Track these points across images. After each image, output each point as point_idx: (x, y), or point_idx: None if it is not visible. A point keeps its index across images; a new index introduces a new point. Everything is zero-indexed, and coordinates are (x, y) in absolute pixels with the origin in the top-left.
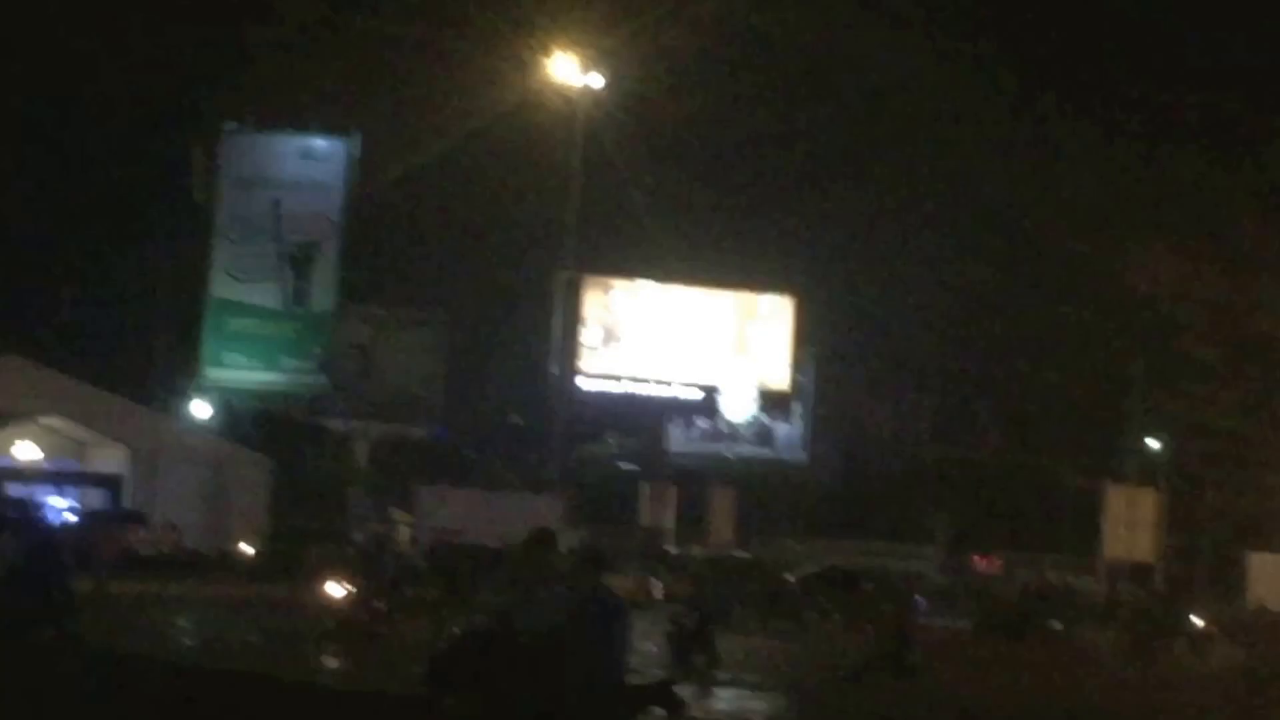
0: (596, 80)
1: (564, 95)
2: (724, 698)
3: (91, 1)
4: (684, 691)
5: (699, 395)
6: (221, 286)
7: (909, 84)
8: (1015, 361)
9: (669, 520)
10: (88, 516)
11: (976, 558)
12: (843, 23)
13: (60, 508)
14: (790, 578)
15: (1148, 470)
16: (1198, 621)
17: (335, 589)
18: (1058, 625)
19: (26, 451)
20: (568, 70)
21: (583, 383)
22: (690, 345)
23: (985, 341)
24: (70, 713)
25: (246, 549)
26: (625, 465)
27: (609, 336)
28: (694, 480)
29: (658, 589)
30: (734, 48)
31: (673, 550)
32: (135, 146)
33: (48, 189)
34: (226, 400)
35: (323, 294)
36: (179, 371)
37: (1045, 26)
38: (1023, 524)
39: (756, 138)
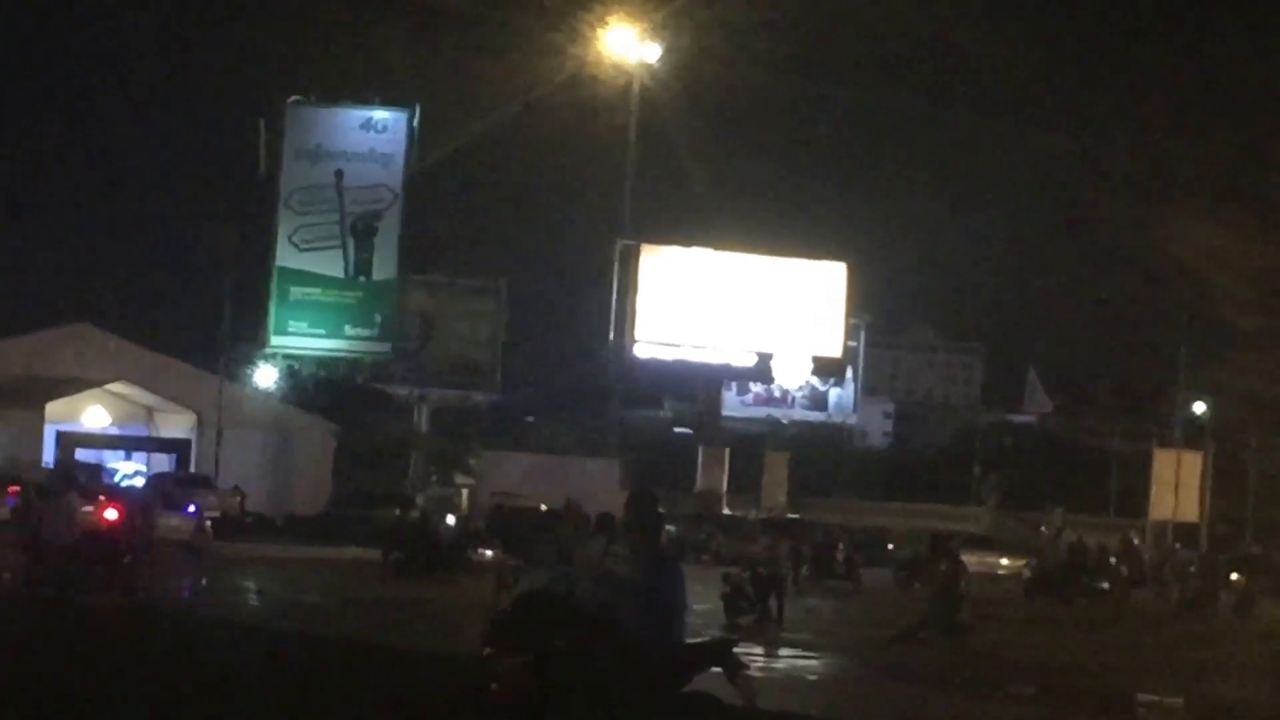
0: (652, 51)
1: (620, 67)
2: (780, 657)
3: None
4: (740, 651)
5: (753, 361)
6: (286, 256)
7: (960, 55)
8: (1063, 328)
9: (723, 484)
10: (156, 480)
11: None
12: None
13: (128, 472)
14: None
15: (1192, 434)
16: (1239, 580)
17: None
18: (1104, 585)
19: (96, 417)
20: (624, 42)
21: (639, 350)
22: (745, 312)
23: (1033, 308)
24: (138, 671)
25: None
26: (680, 430)
27: (665, 304)
28: (748, 444)
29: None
30: (788, 18)
31: (727, 512)
32: (201, 120)
33: (116, 163)
34: (291, 367)
35: (384, 263)
36: (245, 339)
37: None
38: (1070, 486)
39: (810, 107)
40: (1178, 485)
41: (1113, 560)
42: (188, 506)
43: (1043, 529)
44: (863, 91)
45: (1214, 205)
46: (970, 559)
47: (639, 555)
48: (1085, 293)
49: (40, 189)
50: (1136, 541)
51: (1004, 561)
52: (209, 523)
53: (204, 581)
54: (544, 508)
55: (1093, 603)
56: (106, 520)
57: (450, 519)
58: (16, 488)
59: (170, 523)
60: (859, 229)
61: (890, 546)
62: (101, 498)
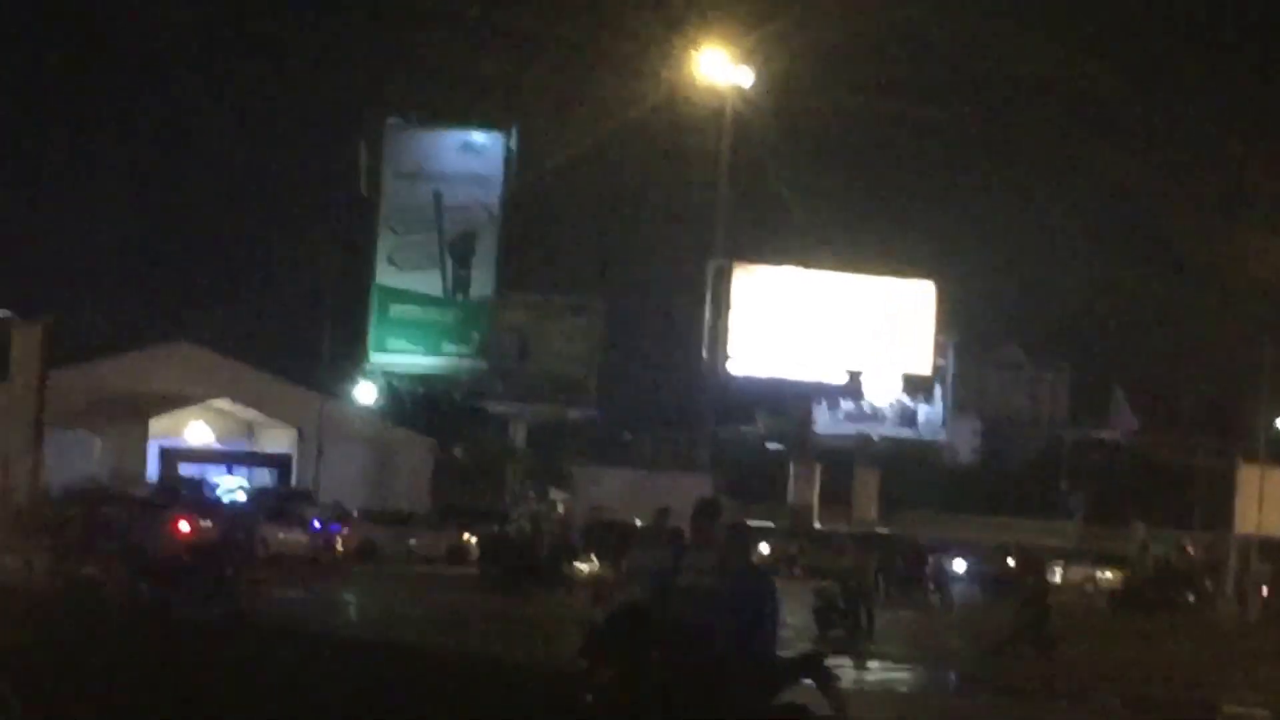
0: (745, 76)
1: (713, 90)
2: (870, 669)
3: (261, 5)
4: (831, 664)
5: (844, 379)
6: (385, 275)
7: (1043, 78)
8: (1148, 345)
9: (814, 498)
10: (257, 495)
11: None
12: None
13: (230, 487)
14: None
15: (1277, 450)
16: None
17: None
18: (1191, 598)
19: (199, 433)
20: (717, 66)
21: (732, 367)
22: (836, 330)
23: (1118, 326)
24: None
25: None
26: (772, 445)
27: (757, 322)
28: (838, 460)
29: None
30: (877, 43)
31: (818, 527)
32: (303, 142)
33: (219, 184)
34: (390, 383)
35: (482, 281)
36: (345, 356)
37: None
38: (1156, 501)
39: (898, 129)
40: (1262, 500)
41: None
42: (314, 522)
43: (1136, 542)
44: (951, 113)
45: None
46: (1056, 573)
47: (731, 569)
48: (1170, 309)
49: (143, 209)
50: (1190, 551)
51: (1094, 575)
52: (340, 539)
53: (305, 594)
54: (639, 523)
55: (1177, 615)
56: (208, 534)
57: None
58: None
59: (292, 537)
60: (948, 248)
61: (971, 562)
62: (203, 512)
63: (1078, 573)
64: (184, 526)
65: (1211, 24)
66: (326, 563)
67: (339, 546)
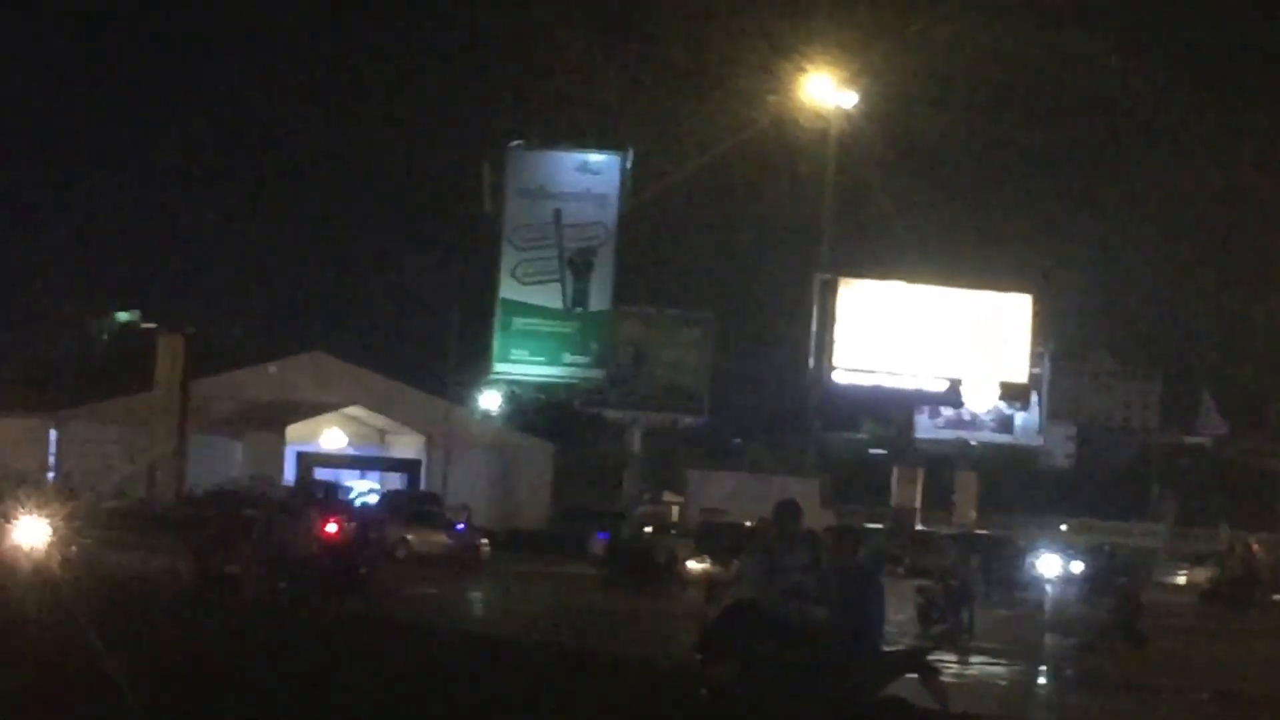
0: (849, 98)
1: (819, 112)
2: (971, 664)
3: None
4: (934, 658)
5: (944, 387)
6: (508, 289)
7: (1133, 95)
8: (1236, 352)
9: (916, 501)
10: (388, 498)
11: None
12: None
13: (363, 490)
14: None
15: None
16: None
17: None
18: (1277, 596)
19: (333, 439)
20: (822, 89)
21: (837, 376)
22: (936, 340)
23: (1207, 334)
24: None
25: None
26: (875, 451)
27: (861, 333)
28: (939, 464)
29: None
30: (973, 65)
31: (920, 528)
32: (430, 163)
33: (351, 202)
34: (513, 392)
35: (599, 295)
36: (470, 367)
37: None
38: (1242, 504)
39: (995, 148)
40: None
41: None
42: (459, 525)
43: (1222, 543)
44: (1045, 133)
45: None
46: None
47: (841, 567)
48: (1258, 317)
49: (280, 227)
50: (1256, 550)
51: (1180, 575)
52: (484, 540)
53: (438, 592)
54: (749, 524)
55: (1265, 613)
56: (342, 535)
57: (664, 532)
58: None
59: (435, 539)
60: (1044, 262)
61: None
62: (337, 514)
63: (1167, 572)
64: (321, 527)
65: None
66: (468, 564)
67: (483, 548)
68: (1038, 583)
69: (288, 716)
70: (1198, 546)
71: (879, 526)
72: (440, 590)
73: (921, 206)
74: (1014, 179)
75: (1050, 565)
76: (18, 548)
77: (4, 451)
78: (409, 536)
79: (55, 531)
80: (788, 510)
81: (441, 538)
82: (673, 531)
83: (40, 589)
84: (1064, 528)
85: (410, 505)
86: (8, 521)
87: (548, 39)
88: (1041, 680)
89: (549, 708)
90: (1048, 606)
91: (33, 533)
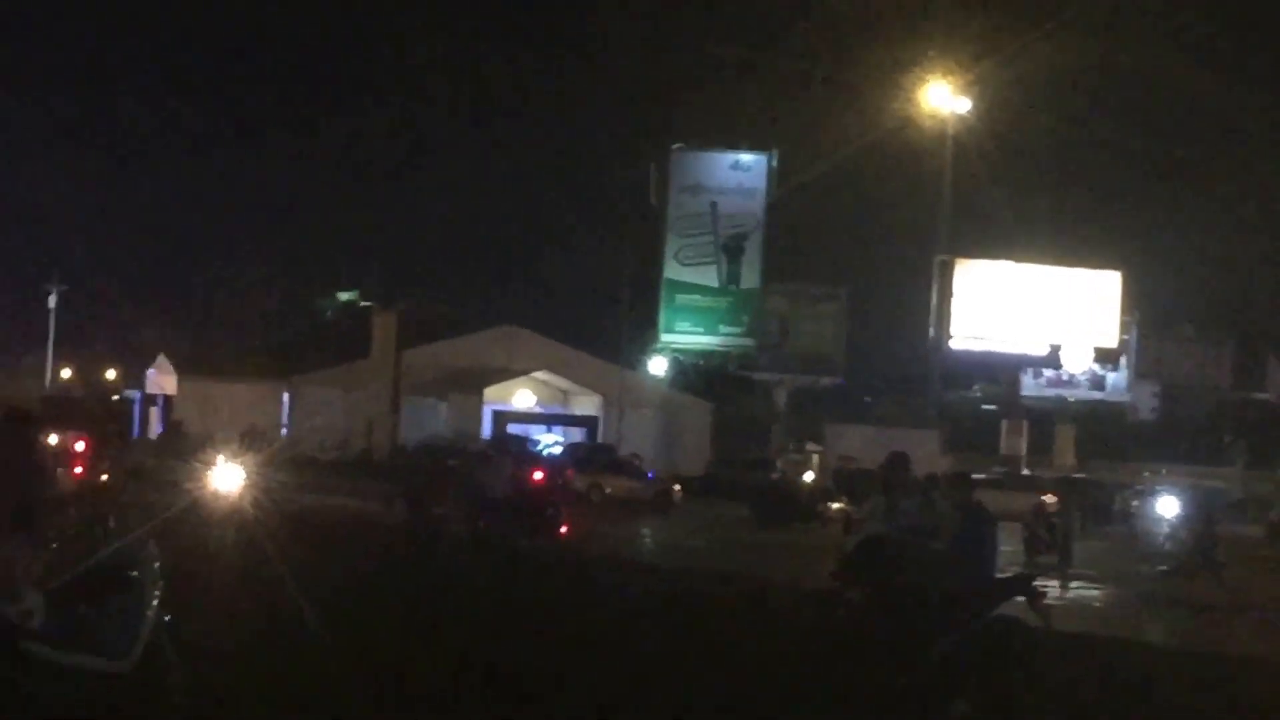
0: (964, 104)
1: (938, 116)
2: (1070, 589)
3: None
4: (1039, 584)
5: (1046, 351)
6: (672, 270)
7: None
8: None
9: (1022, 449)
10: (560, 457)
11: None
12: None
13: (549, 443)
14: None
15: None
16: None
17: None
18: None
19: (523, 399)
20: (941, 97)
21: (954, 343)
22: (1038, 311)
23: (1273, 306)
24: (560, 597)
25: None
26: (987, 406)
27: (974, 305)
28: (1041, 418)
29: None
30: (1071, 72)
31: (1026, 473)
32: (609, 163)
33: (539, 200)
34: (676, 359)
35: (750, 275)
36: (640, 336)
37: None
38: None
39: (1091, 146)
40: None
41: None
42: (650, 473)
43: None
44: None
45: None
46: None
47: (958, 506)
48: None
49: (480, 217)
50: None
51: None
52: (678, 486)
53: (620, 529)
54: (872, 469)
55: None
56: (533, 480)
57: (807, 477)
58: None
59: (627, 484)
60: (1132, 242)
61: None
62: (528, 462)
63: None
64: (515, 474)
65: None
66: (660, 506)
67: (675, 492)
68: (1128, 519)
69: (481, 623)
70: (1265, 489)
71: (989, 475)
72: (627, 528)
73: (1027, 196)
74: (1107, 172)
75: (1138, 504)
76: (216, 491)
77: (247, 411)
78: (603, 484)
79: (251, 477)
80: (897, 461)
81: (634, 484)
82: (814, 478)
83: (234, 524)
84: (1148, 474)
85: (589, 455)
86: (208, 468)
87: (705, 54)
88: (1132, 602)
89: (714, 624)
90: (1138, 539)
91: (230, 478)
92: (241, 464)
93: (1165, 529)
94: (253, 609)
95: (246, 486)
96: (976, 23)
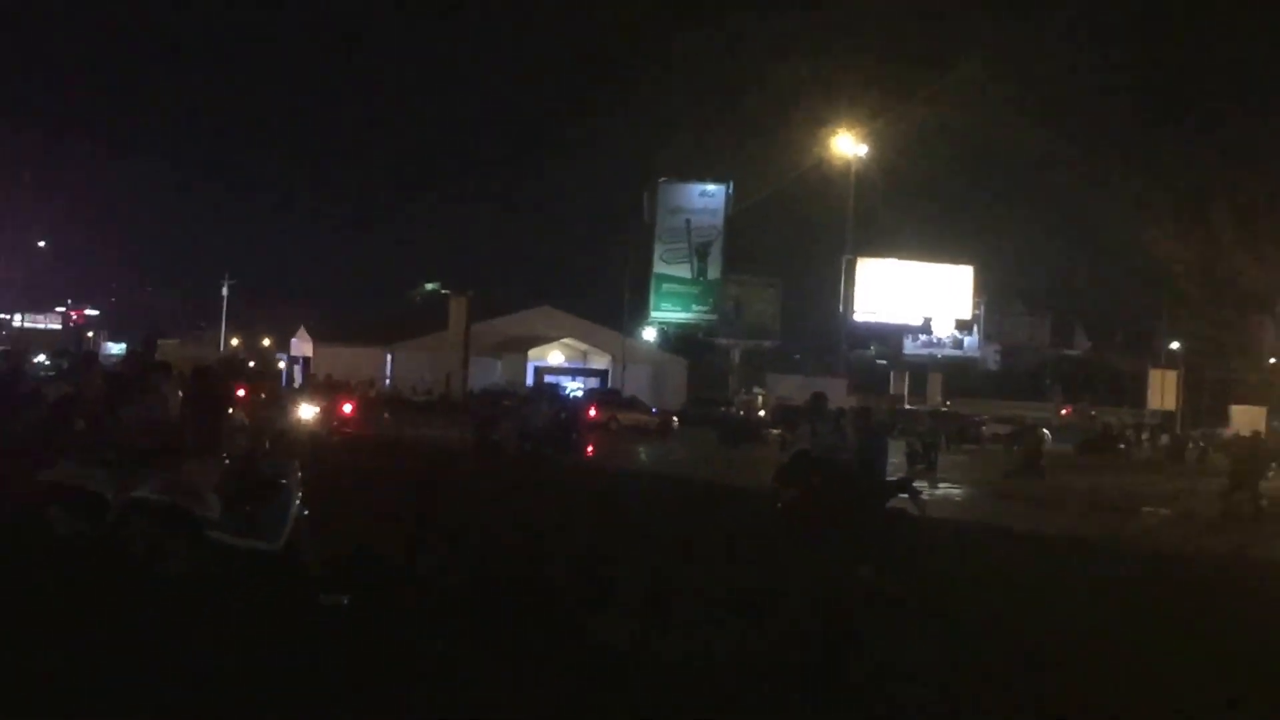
0: (863, 149)
1: (845, 158)
2: (938, 489)
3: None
4: (916, 485)
5: (920, 322)
6: (659, 267)
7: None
8: (1098, 299)
9: (905, 391)
10: (585, 397)
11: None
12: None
13: (574, 388)
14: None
15: (1171, 360)
16: (1200, 443)
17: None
18: (1122, 446)
19: (555, 357)
20: (847, 144)
21: (856, 317)
22: (916, 294)
23: (1080, 287)
24: (581, 499)
25: (772, 431)
26: (879, 361)
27: (870, 289)
28: (918, 369)
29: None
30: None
31: (908, 407)
32: (615, 191)
33: (570, 216)
34: (662, 329)
35: (714, 270)
36: (637, 313)
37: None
38: (1103, 392)
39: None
40: (1163, 391)
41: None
42: (654, 409)
43: (1089, 416)
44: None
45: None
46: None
47: (860, 431)
48: (1110, 276)
49: (532, 222)
50: (1115, 420)
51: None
52: (676, 418)
53: (627, 449)
54: (802, 404)
55: (1119, 458)
56: (559, 414)
57: (760, 412)
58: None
59: (639, 418)
60: (981, 245)
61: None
62: (559, 402)
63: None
64: (550, 410)
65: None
66: (663, 433)
67: (674, 423)
68: (979, 440)
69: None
70: (1076, 419)
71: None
72: (636, 448)
73: (907, 211)
74: (964, 194)
75: (984, 429)
76: (300, 420)
77: (361, 367)
78: (619, 417)
79: (324, 413)
80: (817, 399)
81: (642, 416)
82: (760, 413)
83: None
84: (992, 408)
85: (604, 398)
86: (293, 405)
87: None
88: (982, 497)
89: (686, 512)
90: (986, 454)
91: (308, 413)
92: (316, 403)
93: (1004, 446)
94: (367, 505)
95: (318, 418)
96: (874, 92)
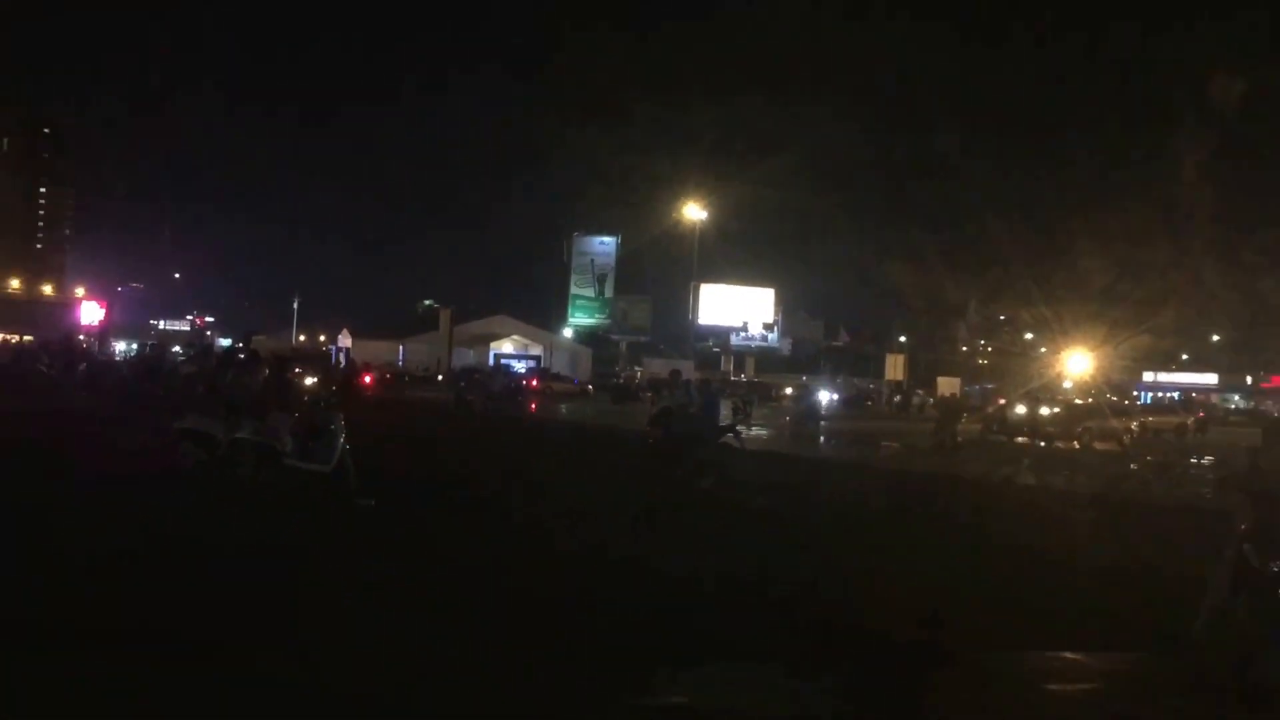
0: (703, 213)
1: (690, 219)
2: (754, 435)
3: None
4: (739, 429)
5: (740, 325)
6: (574, 289)
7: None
8: (859, 308)
9: (730, 369)
10: (527, 372)
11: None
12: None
13: (519, 369)
14: (787, 390)
15: (900, 346)
16: (917, 400)
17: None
18: (869, 402)
19: (507, 347)
20: (693, 208)
21: (700, 321)
22: (738, 307)
23: (846, 300)
24: (517, 439)
25: (647, 393)
26: (715, 349)
27: (710, 303)
28: (740, 355)
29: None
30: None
31: (733, 379)
32: (551, 241)
33: (520, 253)
34: (576, 329)
35: (609, 290)
36: (560, 319)
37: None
38: (857, 369)
39: (766, 227)
40: (896, 369)
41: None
42: (576, 380)
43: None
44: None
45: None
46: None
47: (702, 393)
48: (874, 293)
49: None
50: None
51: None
52: (590, 387)
53: (554, 407)
54: (665, 377)
55: (858, 409)
56: (510, 384)
57: (637, 382)
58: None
59: (564, 387)
60: (779, 272)
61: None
62: (508, 376)
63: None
64: (504, 380)
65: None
66: (580, 396)
67: (590, 389)
68: (776, 399)
69: (476, 457)
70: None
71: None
72: (561, 405)
73: (732, 251)
74: (771, 239)
75: (780, 393)
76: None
77: (383, 353)
78: (551, 385)
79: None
80: (675, 374)
81: (568, 386)
82: (637, 381)
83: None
84: (787, 381)
85: (541, 373)
86: (304, 377)
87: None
88: (780, 439)
89: (590, 446)
90: (783, 409)
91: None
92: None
93: (796, 405)
94: (382, 437)
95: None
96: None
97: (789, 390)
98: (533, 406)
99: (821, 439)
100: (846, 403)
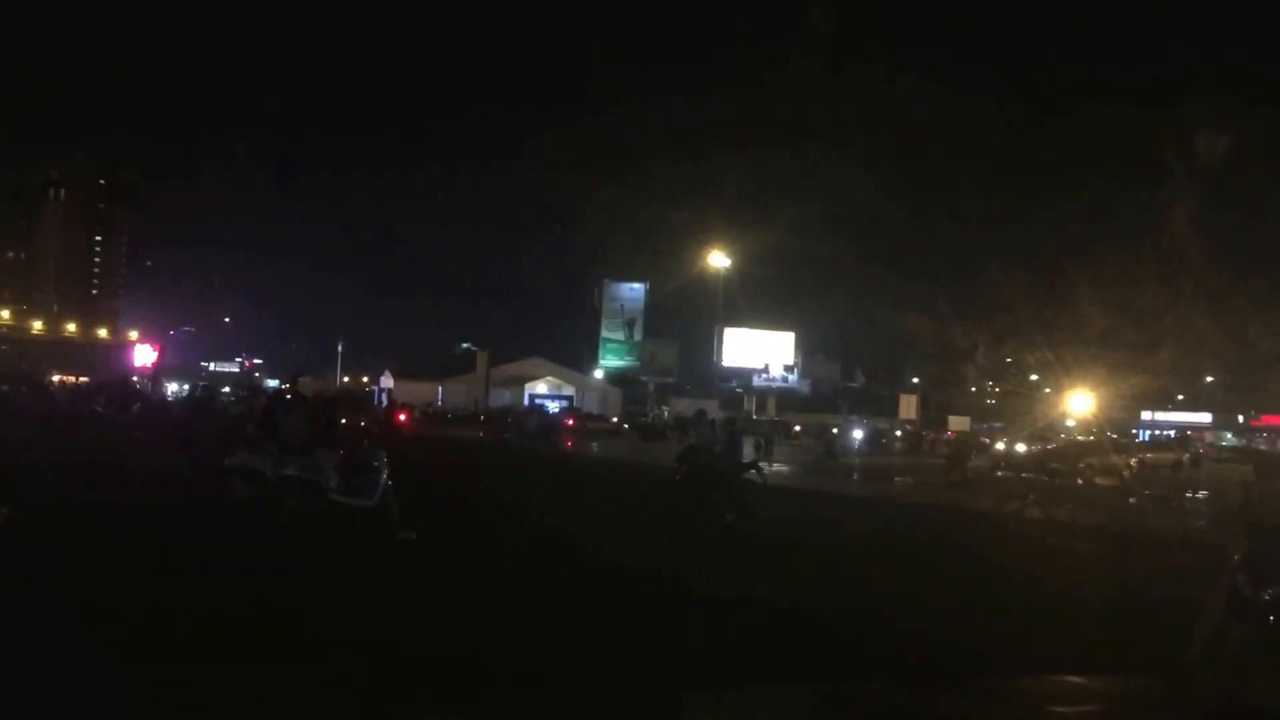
0: (727, 260)
1: (714, 268)
2: (775, 471)
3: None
4: (761, 465)
5: (763, 366)
6: (605, 332)
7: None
8: (873, 350)
9: (753, 409)
10: (564, 411)
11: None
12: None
13: (552, 407)
14: (797, 429)
15: (913, 387)
16: (930, 438)
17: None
18: (883, 441)
19: (541, 388)
20: (717, 257)
21: (724, 362)
22: (760, 349)
23: (859, 346)
24: (556, 474)
25: (674, 432)
26: (738, 390)
27: (733, 345)
28: (762, 395)
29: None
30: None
31: (755, 418)
32: (582, 288)
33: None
34: (607, 371)
35: (638, 334)
36: (591, 362)
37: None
38: (880, 408)
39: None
40: (911, 408)
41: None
42: (614, 418)
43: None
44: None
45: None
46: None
47: (725, 432)
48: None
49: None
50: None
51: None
52: (625, 425)
53: (592, 444)
54: (690, 416)
55: (874, 447)
56: (543, 422)
57: (665, 421)
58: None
59: (598, 424)
60: (799, 317)
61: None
62: (543, 415)
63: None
64: (540, 419)
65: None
66: (617, 434)
67: (624, 429)
68: (796, 437)
69: (514, 485)
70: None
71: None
72: (592, 443)
73: (755, 297)
74: (792, 285)
75: (800, 430)
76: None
77: (422, 394)
78: (588, 424)
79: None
80: (700, 413)
81: (603, 425)
82: (664, 421)
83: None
84: (806, 419)
85: (575, 412)
86: (348, 417)
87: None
88: (801, 475)
89: (621, 481)
90: (805, 447)
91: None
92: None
93: (820, 440)
94: (426, 475)
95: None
96: (735, 226)
97: (797, 428)
98: (569, 444)
99: (855, 475)
100: (869, 440)
